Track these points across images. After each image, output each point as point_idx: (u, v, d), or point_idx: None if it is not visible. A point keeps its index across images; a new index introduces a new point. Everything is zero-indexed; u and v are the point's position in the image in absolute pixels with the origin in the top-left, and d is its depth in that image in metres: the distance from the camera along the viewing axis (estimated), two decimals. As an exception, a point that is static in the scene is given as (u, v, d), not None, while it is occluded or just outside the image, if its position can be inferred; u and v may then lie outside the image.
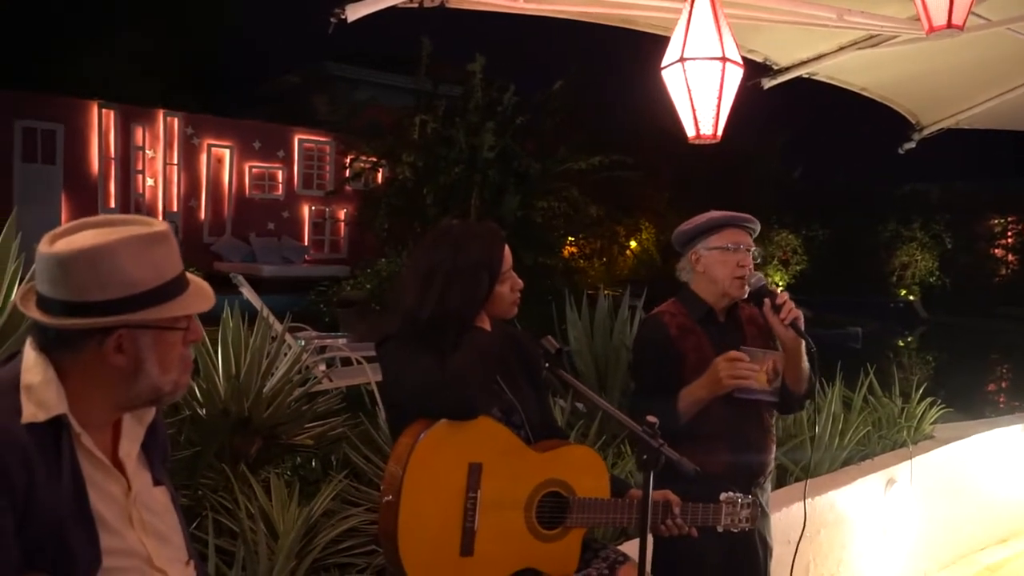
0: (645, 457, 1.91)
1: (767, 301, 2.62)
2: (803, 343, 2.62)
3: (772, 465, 2.84)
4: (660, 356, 2.72)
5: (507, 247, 2.21)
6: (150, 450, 1.55)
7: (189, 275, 1.50)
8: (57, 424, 1.37)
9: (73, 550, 1.33)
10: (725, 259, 2.71)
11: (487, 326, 2.17)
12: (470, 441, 2.04)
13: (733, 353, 2.56)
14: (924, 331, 22.68)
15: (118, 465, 1.46)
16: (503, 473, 2.06)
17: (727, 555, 2.63)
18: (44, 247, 1.39)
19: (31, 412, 1.34)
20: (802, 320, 2.59)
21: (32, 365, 1.39)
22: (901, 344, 20.00)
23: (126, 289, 1.39)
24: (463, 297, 2.12)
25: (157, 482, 1.54)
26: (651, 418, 1.96)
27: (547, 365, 2.19)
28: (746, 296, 2.71)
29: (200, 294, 1.50)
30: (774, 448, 2.84)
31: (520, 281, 2.22)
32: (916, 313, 25.87)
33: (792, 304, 2.58)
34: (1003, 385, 16.00)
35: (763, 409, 2.75)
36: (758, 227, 2.81)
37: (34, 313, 1.40)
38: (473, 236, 2.20)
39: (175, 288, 1.45)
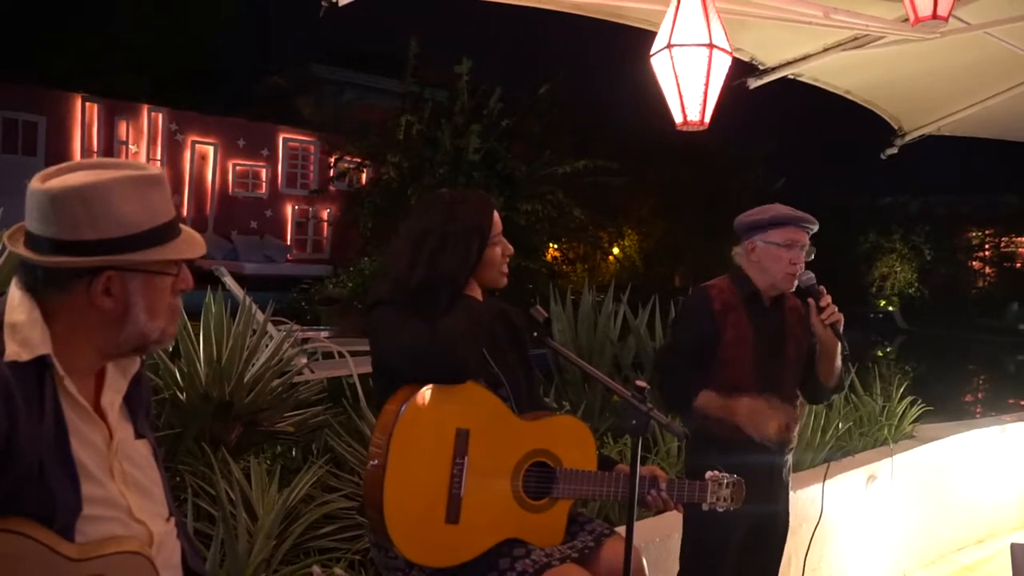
0: (634, 422, 1.91)
1: (811, 301, 2.75)
2: (839, 344, 2.76)
3: (795, 442, 2.99)
4: (698, 324, 2.84)
5: (496, 213, 2.22)
6: (133, 403, 1.52)
7: (181, 225, 1.49)
8: (40, 365, 1.34)
9: (53, 494, 1.30)
10: (779, 255, 2.81)
11: (478, 295, 2.17)
12: (457, 407, 2.03)
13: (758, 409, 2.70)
14: (903, 341, 22.89)
15: (100, 414, 1.43)
16: (490, 440, 2.05)
17: (752, 532, 2.80)
18: (36, 184, 1.36)
19: (14, 351, 1.31)
20: (841, 323, 2.72)
21: (17, 304, 1.36)
22: (880, 354, 20.15)
23: (118, 229, 1.37)
24: (454, 260, 2.12)
25: (139, 435, 1.52)
26: (640, 382, 1.97)
27: (535, 334, 2.19)
28: (793, 290, 2.84)
29: (192, 241, 1.47)
30: (798, 425, 2.98)
31: (511, 247, 2.23)
32: (895, 323, 26.11)
33: (835, 308, 2.71)
34: (980, 396, 16.14)
35: (790, 388, 2.88)
36: (816, 227, 2.90)
37: (21, 250, 1.37)
38: (464, 201, 2.22)
39: (167, 233, 1.43)
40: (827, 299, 2.72)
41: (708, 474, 2.30)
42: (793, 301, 2.98)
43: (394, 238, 2.31)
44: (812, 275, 2.79)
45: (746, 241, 2.91)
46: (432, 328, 2.00)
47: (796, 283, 2.82)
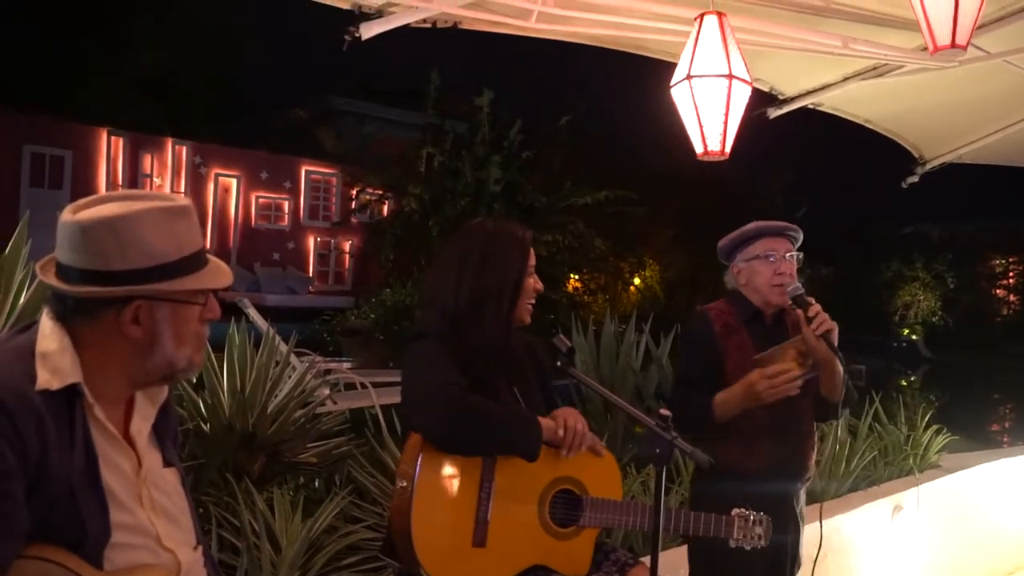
0: (658, 450, 1.91)
1: (800, 312, 2.63)
2: (836, 356, 2.63)
3: (812, 471, 2.87)
4: (700, 349, 2.78)
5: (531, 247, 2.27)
6: (161, 431, 1.55)
7: (208, 255, 1.51)
8: (71, 393, 1.36)
9: (83, 521, 1.33)
10: (761, 269, 2.76)
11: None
12: None
13: (771, 370, 2.55)
14: (927, 370, 22.61)
15: (129, 442, 1.46)
16: (516, 466, 2.06)
17: (767, 568, 2.68)
18: (67, 216, 1.39)
19: (45, 379, 1.33)
20: (835, 332, 2.59)
21: (48, 333, 1.39)
22: (904, 383, 19.92)
23: (146, 259, 1.39)
24: (497, 276, 2.15)
25: (168, 463, 1.54)
26: (664, 411, 1.96)
27: (558, 363, 2.20)
28: (788, 303, 2.73)
29: (219, 271, 1.50)
30: (814, 453, 2.87)
31: (540, 283, 2.26)
32: (919, 352, 25.85)
33: (825, 317, 2.58)
34: (1006, 424, 15.90)
35: (804, 414, 2.77)
36: (800, 234, 2.83)
37: (52, 281, 1.40)
38: (503, 227, 2.28)
39: (195, 263, 1.46)
40: (816, 308, 2.59)
41: (735, 511, 2.27)
42: (796, 315, 2.82)
43: (435, 267, 2.33)
44: (799, 284, 2.69)
45: (731, 265, 2.88)
46: (450, 382, 2.00)
47: (786, 294, 2.70)
